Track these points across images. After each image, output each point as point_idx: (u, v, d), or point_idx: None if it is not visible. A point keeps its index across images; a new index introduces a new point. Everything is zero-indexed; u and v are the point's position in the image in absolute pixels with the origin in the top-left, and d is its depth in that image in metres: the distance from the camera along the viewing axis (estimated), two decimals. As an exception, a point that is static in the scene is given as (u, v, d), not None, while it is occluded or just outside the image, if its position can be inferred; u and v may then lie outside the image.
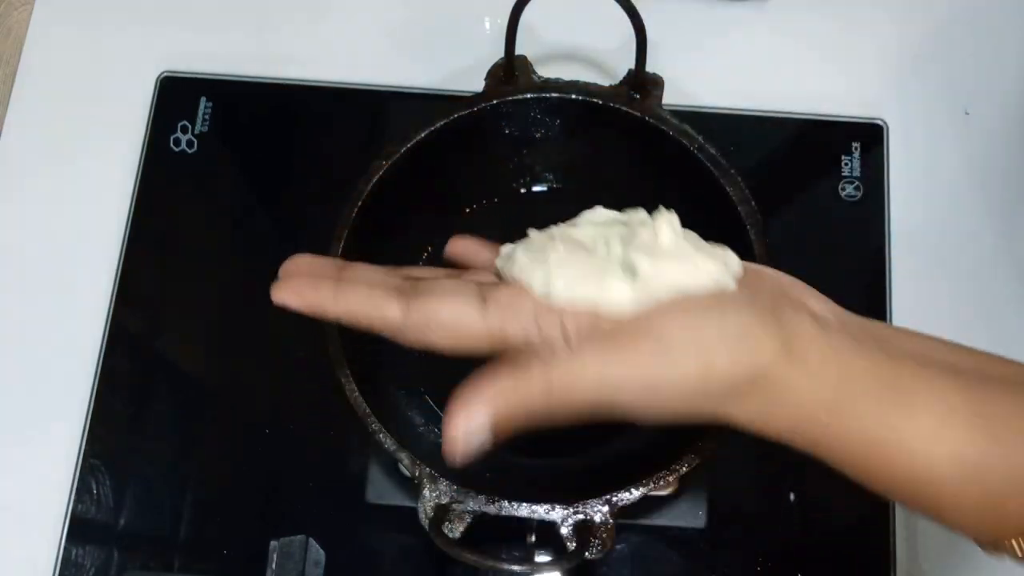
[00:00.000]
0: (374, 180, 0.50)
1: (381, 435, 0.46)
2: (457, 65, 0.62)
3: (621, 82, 0.53)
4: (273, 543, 0.51)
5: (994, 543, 0.35)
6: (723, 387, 0.34)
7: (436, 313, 0.36)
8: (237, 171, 0.61)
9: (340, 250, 0.48)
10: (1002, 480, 0.34)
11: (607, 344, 0.34)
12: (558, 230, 0.39)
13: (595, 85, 0.52)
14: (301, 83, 0.62)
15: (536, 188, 0.57)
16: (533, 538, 0.49)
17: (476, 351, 0.36)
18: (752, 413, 0.35)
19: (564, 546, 0.44)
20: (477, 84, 0.54)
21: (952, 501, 0.34)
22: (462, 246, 0.44)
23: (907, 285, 0.57)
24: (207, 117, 0.61)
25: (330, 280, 0.38)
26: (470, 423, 0.35)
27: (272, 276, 0.60)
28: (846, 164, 0.60)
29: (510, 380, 0.35)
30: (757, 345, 0.34)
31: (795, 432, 0.36)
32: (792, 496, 0.53)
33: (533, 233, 0.39)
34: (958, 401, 0.34)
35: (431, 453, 0.47)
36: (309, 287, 0.38)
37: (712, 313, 0.35)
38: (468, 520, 0.44)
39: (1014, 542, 0.35)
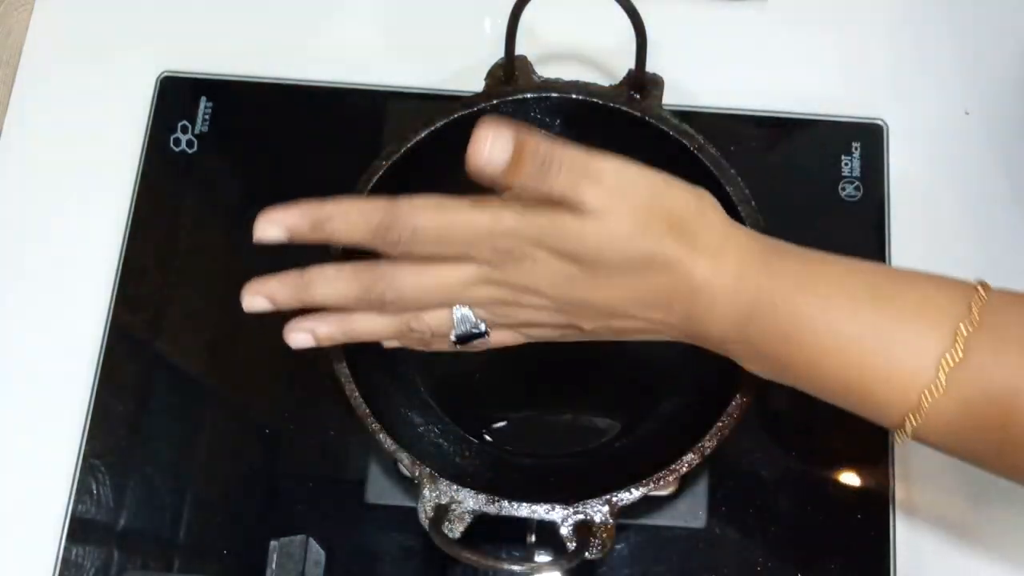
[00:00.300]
0: (374, 180, 0.50)
1: (381, 435, 0.46)
2: (457, 65, 0.62)
3: (621, 82, 0.53)
4: (273, 543, 0.51)
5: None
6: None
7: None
8: (237, 171, 0.61)
9: (340, 249, 0.48)
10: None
11: None
12: None
13: (595, 85, 0.52)
14: (301, 83, 0.62)
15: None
16: (533, 538, 0.49)
17: None
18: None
19: (564, 546, 0.44)
20: (477, 84, 0.54)
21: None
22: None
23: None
24: (207, 117, 0.61)
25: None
26: (497, 142, 0.36)
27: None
28: (846, 164, 0.60)
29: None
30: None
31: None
32: (792, 497, 0.54)
33: None
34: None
35: (431, 453, 0.47)
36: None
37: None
38: (468, 520, 0.44)
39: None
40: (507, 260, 0.39)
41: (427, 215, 0.39)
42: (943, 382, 0.38)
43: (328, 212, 0.39)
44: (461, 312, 0.42)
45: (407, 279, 0.40)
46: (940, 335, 0.38)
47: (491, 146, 0.36)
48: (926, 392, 0.38)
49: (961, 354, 0.37)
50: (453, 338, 0.42)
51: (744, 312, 0.39)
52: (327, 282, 0.42)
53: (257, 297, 0.43)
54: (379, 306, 0.42)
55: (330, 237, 0.40)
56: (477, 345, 0.43)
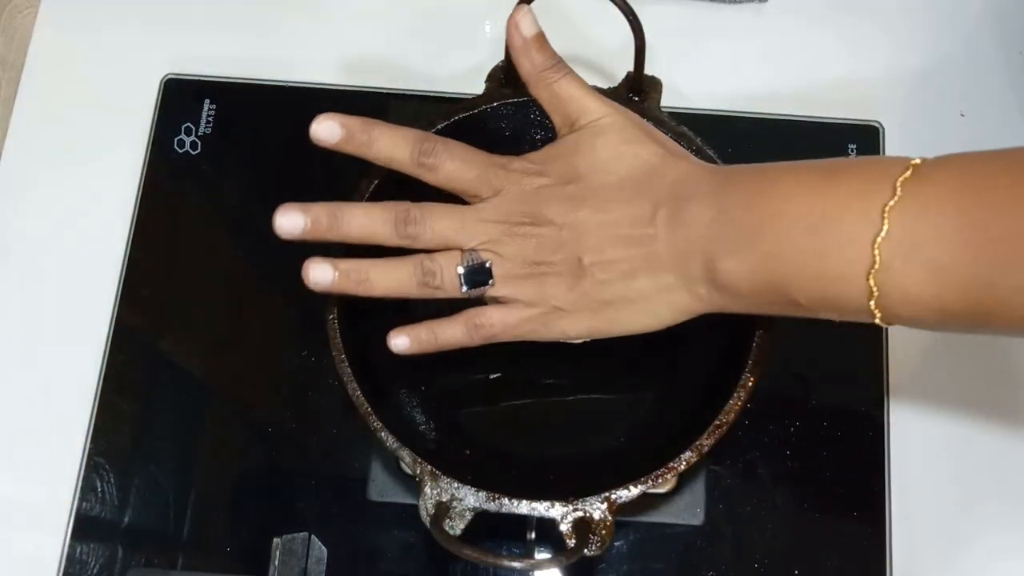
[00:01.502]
0: (376, 181, 0.50)
1: (382, 433, 0.46)
2: (458, 68, 0.62)
3: (620, 84, 0.53)
4: (276, 540, 0.51)
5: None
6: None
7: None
8: (240, 172, 0.61)
9: (343, 249, 0.48)
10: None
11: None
12: None
13: (594, 87, 0.53)
14: (303, 85, 0.62)
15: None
16: (533, 535, 0.49)
17: None
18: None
19: (564, 543, 0.44)
20: (478, 86, 0.54)
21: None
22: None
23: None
24: (210, 119, 0.61)
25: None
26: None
27: (274, 276, 0.60)
28: (843, 165, 0.60)
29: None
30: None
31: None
32: (789, 494, 0.54)
33: None
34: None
35: (432, 451, 0.48)
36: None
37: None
38: (469, 517, 0.45)
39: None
40: (517, 188, 0.46)
41: (455, 145, 0.46)
42: (879, 260, 0.38)
43: (376, 133, 0.46)
44: (472, 256, 0.45)
45: (434, 209, 0.46)
46: (870, 216, 0.38)
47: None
48: (872, 275, 0.38)
49: (886, 227, 0.37)
50: (461, 273, 0.45)
51: (719, 183, 0.44)
52: (360, 210, 0.46)
53: (291, 213, 0.45)
54: (403, 235, 0.45)
55: (372, 151, 0.46)
56: (482, 293, 0.46)
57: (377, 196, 0.50)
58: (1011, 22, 0.64)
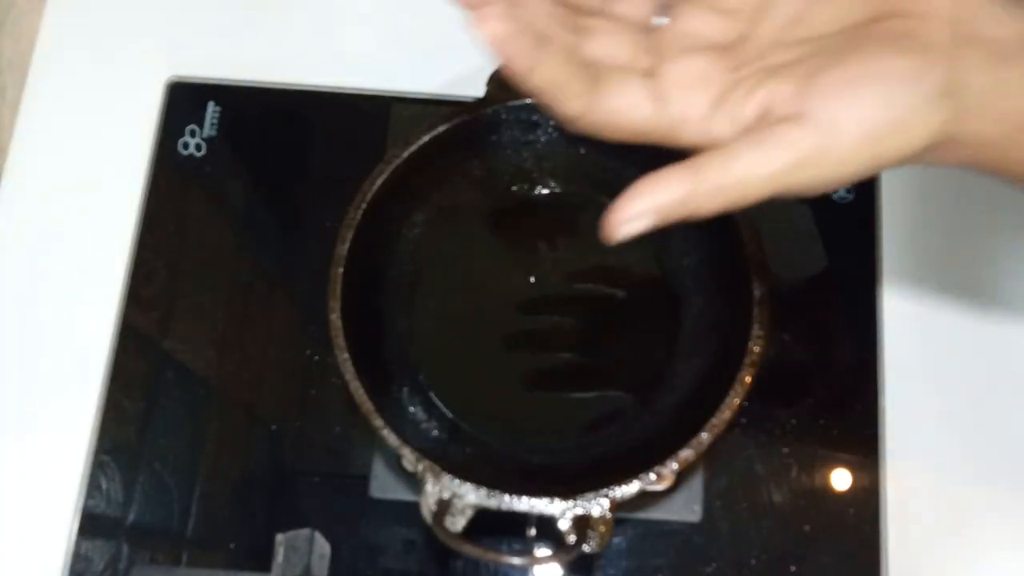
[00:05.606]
0: (377, 183, 0.51)
1: (385, 431, 0.47)
2: (460, 71, 0.62)
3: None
4: (279, 537, 0.51)
5: None
6: (895, 162, 0.36)
7: (615, 116, 0.37)
8: (244, 174, 0.62)
9: (346, 249, 0.49)
10: None
11: (771, 141, 0.35)
12: None
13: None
14: (307, 88, 0.63)
15: (537, 192, 0.58)
16: (533, 532, 0.50)
17: (645, 142, 0.38)
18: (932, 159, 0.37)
19: (563, 539, 0.45)
20: (479, 90, 0.55)
21: None
22: None
23: (898, 287, 0.58)
24: (215, 121, 0.62)
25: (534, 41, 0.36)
26: (628, 213, 0.36)
27: (278, 276, 0.61)
28: (839, 167, 0.60)
29: (673, 181, 0.35)
30: (926, 126, 0.35)
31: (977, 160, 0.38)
32: (785, 491, 0.54)
33: None
34: None
35: (433, 449, 0.48)
36: (514, 31, 0.35)
37: (879, 96, 0.34)
38: (470, 514, 0.45)
39: None
40: None
41: None
42: None
43: None
44: None
45: None
46: None
47: None
48: None
49: None
50: None
51: None
52: None
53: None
54: None
55: None
56: None
57: (381, 192, 0.50)
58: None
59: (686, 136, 0.37)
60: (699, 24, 0.39)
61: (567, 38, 0.38)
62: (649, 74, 0.38)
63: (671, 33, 0.39)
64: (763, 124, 0.35)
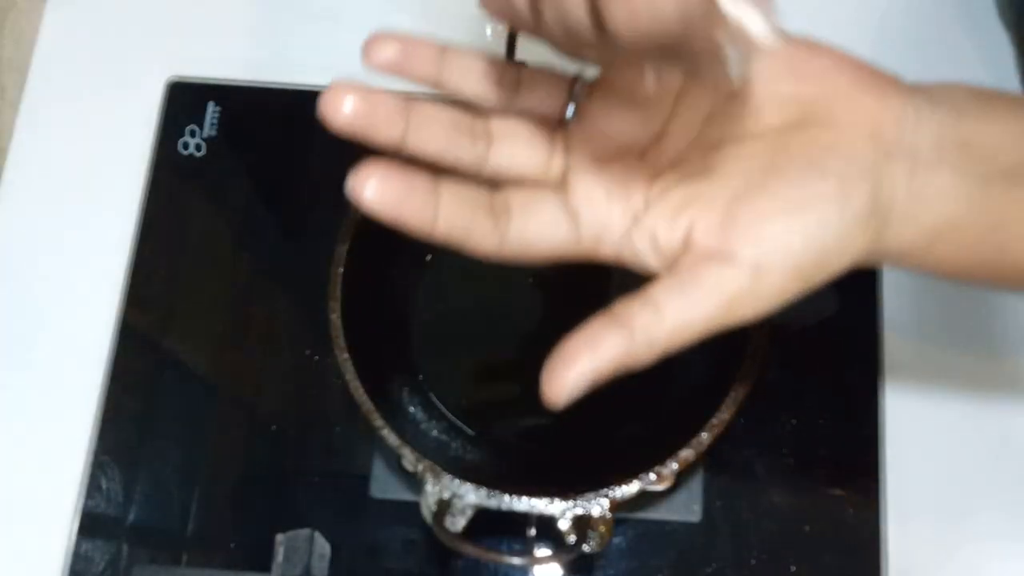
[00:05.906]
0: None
1: (385, 431, 0.47)
2: (459, 70, 0.62)
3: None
4: (279, 537, 0.52)
5: None
6: (823, 283, 0.35)
7: (532, 244, 0.37)
8: (244, 174, 0.62)
9: (345, 250, 0.49)
10: None
11: (698, 285, 0.34)
12: None
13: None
14: (307, 87, 0.63)
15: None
16: (533, 532, 0.50)
17: (569, 260, 0.37)
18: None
19: (563, 539, 0.45)
20: (479, 89, 0.55)
21: None
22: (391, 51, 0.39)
23: (897, 287, 0.58)
24: (215, 121, 0.62)
25: (426, 195, 0.36)
26: (568, 381, 0.36)
27: (278, 276, 0.61)
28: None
29: (607, 344, 0.35)
30: (853, 248, 0.34)
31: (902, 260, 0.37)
32: (786, 491, 0.54)
33: None
34: None
35: (433, 449, 0.48)
36: (402, 192, 0.36)
37: (806, 228, 0.34)
38: (469, 514, 0.45)
39: None
40: None
41: None
42: None
43: None
44: None
45: None
46: None
47: None
48: None
49: None
50: None
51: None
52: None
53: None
54: None
55: None
56: None
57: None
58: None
59: (607, 251, 0.37)
60: (611, 120, 0.36)
61: (471, 152, 0.36)
62: (562, 186, 0.37)
63: (583, 132, 0.37)
64: (688, 259, 0.35)
